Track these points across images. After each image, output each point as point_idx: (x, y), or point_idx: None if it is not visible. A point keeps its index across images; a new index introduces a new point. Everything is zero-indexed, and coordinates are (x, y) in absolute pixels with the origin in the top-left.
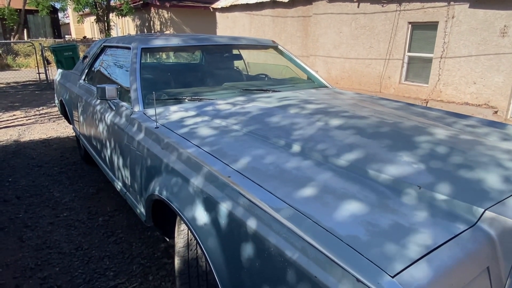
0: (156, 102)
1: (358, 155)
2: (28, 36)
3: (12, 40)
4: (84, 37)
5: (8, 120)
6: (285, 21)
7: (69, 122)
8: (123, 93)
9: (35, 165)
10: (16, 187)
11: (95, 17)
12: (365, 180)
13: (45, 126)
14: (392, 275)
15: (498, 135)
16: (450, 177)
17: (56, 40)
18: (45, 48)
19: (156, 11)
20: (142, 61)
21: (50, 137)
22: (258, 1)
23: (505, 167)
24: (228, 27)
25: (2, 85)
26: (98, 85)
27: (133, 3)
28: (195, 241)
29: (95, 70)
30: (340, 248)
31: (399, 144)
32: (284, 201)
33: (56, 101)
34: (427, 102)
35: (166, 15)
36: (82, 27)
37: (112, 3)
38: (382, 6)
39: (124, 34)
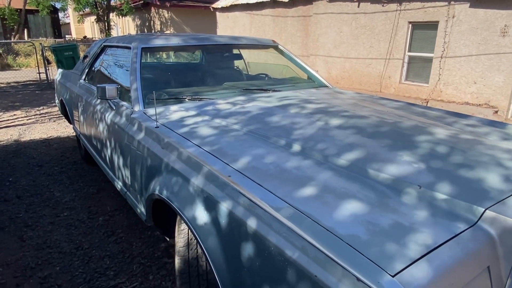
0: (156, 102)
1: (358, 154)
2: (29, 36)
3: (12, 40)
4: (85, 37)
5: (8, 119)
6: (285, 20)
7: (70, 122)
8: (123, 93)
9: (36, 165)
10: (17, 187)
11: (95, 17)
12: (365, 179)
13: (46, 126)
14: (392, 275)
15: (498, 134)
16: (450, 176)
17: (57, 40)
18: (46, 48)
19: (156, 10)
20: (142, 61)
21: (50, 136)
22: (259, 1)
23: (505, 166)
24: (228, 26)
25: (2, 85)
26: (98, 85)
27: (133, 3)
28: (195, 240)
29: (95, 69)
30: (340, 248)
31: (399, 144)
32: (284, 200)
33: (57, 101)
34: (427, 102)
35: (166, 15)
36: (82, 27)
37: (112, 3)
38: (383, 5)
39: (125, 34)
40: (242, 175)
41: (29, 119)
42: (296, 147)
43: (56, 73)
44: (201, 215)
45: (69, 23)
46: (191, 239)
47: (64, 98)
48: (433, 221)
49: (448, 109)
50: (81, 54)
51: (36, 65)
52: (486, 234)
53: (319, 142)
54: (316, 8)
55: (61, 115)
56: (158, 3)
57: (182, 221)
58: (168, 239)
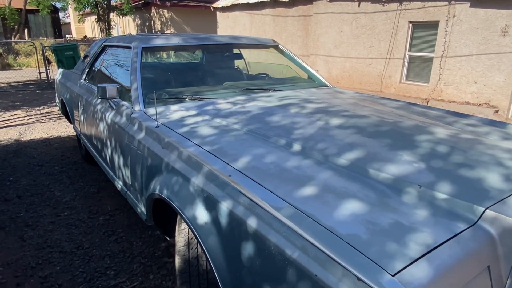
0: (156, 101)
1: (359, 154)
2: (29, 36)
3: (13, 40)
4: (85, 37)
5: (9, 119)
6: (285, 20)
7: (70, 122)
8: (124, 92)
9: (36, 165)
10: (17, 186)
11: (95, 16)
12: (365, 179)
13: (46, 126)
14: (392, 274)
15: (498, 134)
16: (450, 176)
17: (57, 39)
18: (46, 47)
19: (156, 10)
20: (142, 61)
21: (51, 136)
22: (259, 1)
23: (505, 166)
24: (228, 26)
25: (3, 85)
26: (98, 84)
27: (133, 3)
28: (195, 240)
29: (96, 69)
30: (340, 247)
31: (399, 143)
32: (284, 200)
33: (57, 101)
34: (427, 102)
35: (166, 15)
36: (82, 27)
37: (112, 2)
38: (383, 5)
39: (125, 34)
40: (243, 174)
41: (30, 118)
42: (297, 146)
43: (56, 73)
44: (201, 214)
45: (69, 23)
46: (191, 239)
47: (65, 97)
48: (433, 220)
49: (449, 109)
50: (82, 54)
51: (37, 64)
52: (486, 233)
53: (320, 142)
54: (316, 8)
55: (61, 115)
56: (158, 3)
57: (183, 221)
58: (168, 239)
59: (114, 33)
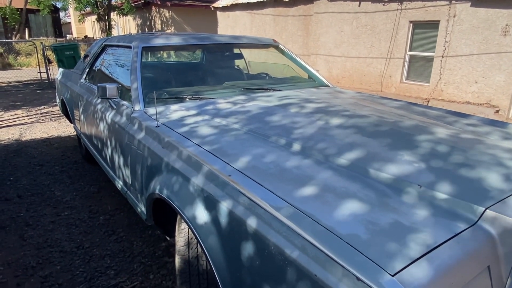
0: (156, 101)
1: (359, 154)
2: (30, 36)
3: (13, 40)
4: (85, 36)
5: (9, 119)
6: (286, 20)
7: (70, 121)
8: (124, 92)
9: (37, 164)
10: (18, 186)
11: (96, 16)
12: (365, 179)
13: (47, 125)
14: (392, 274)
15: (499, 134)
16: (450, 176)
17: (57, 39)
18: (47, 47)
19: (157, 10)
20: (143, 60)
21: (51, 136)
22: (259, 0)
23: (506, 166)
24: (229, 26)
25: (3, 84)
26: (99, 84)
27: (134, 2)
28: (195, 239)
29: (96, 69)
30: (340, 247)
31: (399, 143)
32: (284, 199)
33: (57, 100)
34: (428, 101)
35: (167, 14)
36: (83, 26)
37: (113, 2)
38: (383, 5)
39: (125, 33)
40: (242, 174)
41: (30, 118)
42: (297, 146)
43: (57, 73)
44: (201, 214)
45: (70, 23)
46: (191, 239)
47: (65, 97)
48: (433, 220)
49: (449, 109)
50: (82, 54)
51: (37, 64)
52: (486, 233)
53: (320, 142)
54: (317, 8)
55: (62, 115)
56: (159, 3)
57: (182, 221)
58: (168, 238)
59: (115, 32)
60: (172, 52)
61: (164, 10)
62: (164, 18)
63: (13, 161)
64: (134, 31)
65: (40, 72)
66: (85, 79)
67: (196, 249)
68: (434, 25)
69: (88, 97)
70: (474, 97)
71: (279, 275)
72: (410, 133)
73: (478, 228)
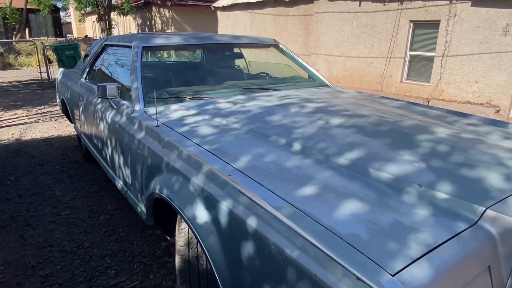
0: (157, 101)
1: (359, 153)
2: (30, 35)
3: (14, 39)
4: (86, 36)
5: (10, 119)
6: (286, 19)
7: (71, 121)
8: (124, 92)
9: (37, 164)
10: (18, 186)
11: (96, 16)
12: (365, 178)
13: (47, 125)
14: (392, 274)
15: (499, 133)
16: (451, 175)
17: (58, 39)
18: (47, 47)
19: (157, 9)
20: (143, 60)
21: (51, 135)
22: (259, 0)
23: (506, 165)
24: (229, 26)
25: (4, 84)
26: (99, 84)
27: (134, 2)
28: (195, 239)
29: (96, 69)
30: (340, 247)
31: (400, 143)
32: (284, 199)
33: (58, 100)
34: (428, 101)
35: (167, 14)
36: (83, 26)
37: (113, 2)
38: (384, 4)
39: (126, 33)
40: (243, 174)
41: (31, 118)
42: (297, 146)
43: (57, 72)
44: (201, 214)
45: (70, 22)
46: (191, 238)
47: (65, 97)
48: (434, 220)
49: (450, 108)
50: (82, 53)
51: (38, 64)
52: (486, 233)
53: (320, 141)
54: (317, 7)
55: (62, 114)
56: (159, 2)
57: (183, 220)
58: (168, 238)
59: (115, 32)
60: (172, 52)
61: (165, 9)
62: (165, 18)
63: (14, 161)
64: (134, 30)
65: (40, 72)
66: (85, 78)
67: (196, 249)
68: (434, 24)
69: (88, 97)
70: (475, 97)
71: (279, 275)
72: (411, 133)
73: (479, 228)
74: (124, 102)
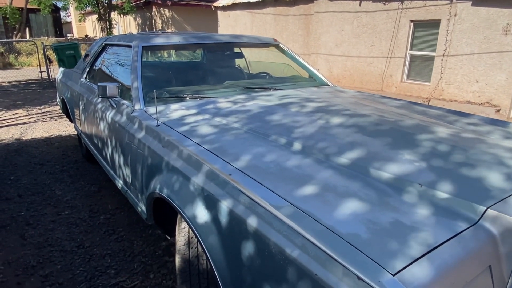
0: (157, 100)
1: (359, 153)
2: (30, 35)
3: (14, 39)
4: (86, 36)
5: (10, 118)
6: (286, 19)
7: (71, 121)
8: (124, 91)
9: (37, 164)
10: (18, 185)
11: (97, 15)
12: (366, 178)
13: (47, 125)
14: (393, 273)
15: (500, 133)
16: (451, 175)
17: (58, 38)
18: (47, 46)
19: (157, 9)
20: (143, 59)
21: (52, 135)
22: (260, 0)
23: (507, 165)
24: (229, 25)
25: (4, 84)
26: (99, 83)
27: (134, 2)
28: (195, 239)
29: (97, 68)
30: (340, 246)
31: (400, 142)
32: (284, 199)
33: (58, 100)
34: (429, 101)
35: (167, 14)
36: (84, 26)
37: (113, 1)
38: (384, 4)
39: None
40: (243, 173)
41: (31, 117)
42: (297, 145)
43: (57, 72)
44: (202, 213)
45: (70, 22)
46: (191, 238)
47: (66, 96)
48: (434, 219)
49: (450, 108)
50: (82, 53)
51: (38, 64)
52: (487, 233)
53: (320, 141)
54: (317, 7)
55: (62, 114)
56: (159, 2)
57: (183, 220)
58: (168, 238)
59: (115, 32)
60: (172, 52)
61: (165, 9)
62: (165, 17)
63: (14, 161)
64: (134, 30)
65: (40, 72)
66: (85, 78)
67: (196, 249)
68: (435, 24)
69: (89, 97)
70: (475, 96)
71: (279, 275)
72: (411, 132)
73: (479, 228)
74: (124, 101)
